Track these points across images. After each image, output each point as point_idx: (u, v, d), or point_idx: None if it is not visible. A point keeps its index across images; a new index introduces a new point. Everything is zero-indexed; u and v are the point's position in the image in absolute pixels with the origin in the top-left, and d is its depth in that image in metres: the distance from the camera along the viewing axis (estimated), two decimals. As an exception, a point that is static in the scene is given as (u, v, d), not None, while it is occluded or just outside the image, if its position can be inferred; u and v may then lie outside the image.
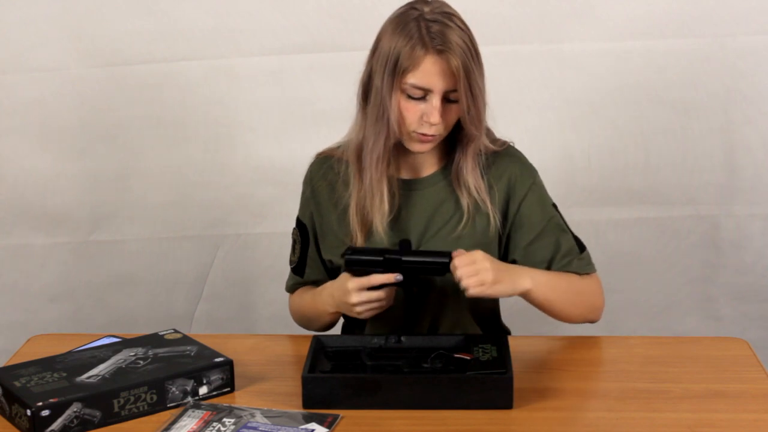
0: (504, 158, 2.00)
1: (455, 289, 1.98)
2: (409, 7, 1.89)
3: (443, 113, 1.87)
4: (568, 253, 2.01)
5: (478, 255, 1.85)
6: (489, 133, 1.99)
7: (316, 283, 2.07)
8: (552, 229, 2.01)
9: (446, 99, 1.87)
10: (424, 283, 1.99)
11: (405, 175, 2.01)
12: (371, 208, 1.95)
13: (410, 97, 1.87)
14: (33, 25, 2.76)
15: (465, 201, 1.95)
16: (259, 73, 2.80)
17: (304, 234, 2.08)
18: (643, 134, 2.80)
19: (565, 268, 2.01)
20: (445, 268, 1.85)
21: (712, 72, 2.75)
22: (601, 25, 2.74)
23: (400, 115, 1.88)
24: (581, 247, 2.05)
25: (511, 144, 2.03)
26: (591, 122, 2.80)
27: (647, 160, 2.81)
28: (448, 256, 1.85)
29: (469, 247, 1.94)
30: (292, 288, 2.13)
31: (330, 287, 1.97)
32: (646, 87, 2.77)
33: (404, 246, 1.97)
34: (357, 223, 1.96)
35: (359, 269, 1.86)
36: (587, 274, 2.03)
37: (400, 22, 1.87)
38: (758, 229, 2.86)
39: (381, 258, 1.85)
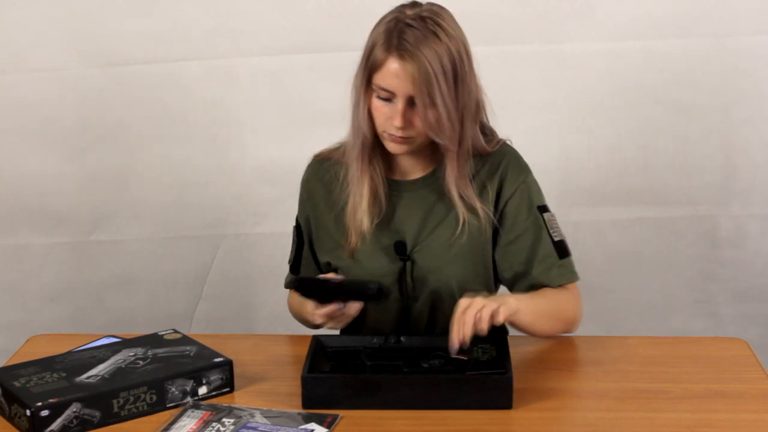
0: (497, 156, 1.99)
1: (451, 290, 1.98)
2: (397, 9, 1.89)
3: (412, 117, 1.86)
4: (545, 259, 1.99)
5: (462, 301, 1.80)
6: (491, 133, 1.99)
7: None
8: (531, 230, 1.99)
9: (414, 103, 1.85)
10: (422, 284, 1.99)
11: (398, 176, 2.01)
12: (356, 208, 1.95)
13: (379, 97, 1.87)
14: (33, 25, 2.76)
15: (457, 205, 1.95)
16: (259, 73, 2.80)
17: (300, 235, 2.09)
18: (642, 134, 2.80)
19: (544, 275, 1.98)
20: (375, 295, 1.82)
21: (711, 72, 2.75)
22: (601, 25, 2.74)
23: (372, 115, 1.89)
24: (563, 253, 2.01)
25: (508, 142, 2.03)
26: (591, 122, 2.80)
27: (647, 160, 2.81)
28: (377, 284, 1.83)
29: (464, 249, 1.96)
30: (288, 285, 2.15)
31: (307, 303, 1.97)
32: (646, 87, 2.77)
33: (398, 248, 1.97)
34: (351, 225, 1.97)
35: (305, 293, 1.89)
36: (566, 284, 2.00)
37: (382, 21, 1.89)
38: (757, 229, 2.86)
39: (315, 287, 1.87)
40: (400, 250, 1.98)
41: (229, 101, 2.83)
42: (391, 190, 1.99)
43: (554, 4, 2.73)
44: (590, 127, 2.80)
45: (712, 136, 2.80)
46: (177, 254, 2.93)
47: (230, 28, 2.77)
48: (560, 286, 2.00)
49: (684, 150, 2.80)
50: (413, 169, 2.00)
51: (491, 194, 1.98)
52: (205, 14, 2.77)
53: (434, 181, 1.99)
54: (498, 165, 1.99)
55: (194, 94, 2.82)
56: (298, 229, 2.10)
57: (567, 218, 2.72)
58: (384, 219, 1.98)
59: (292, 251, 2.12)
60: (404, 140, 1.89)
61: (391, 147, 1.92)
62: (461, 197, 1.94)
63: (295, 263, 2.12)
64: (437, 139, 1.88)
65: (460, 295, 1.95)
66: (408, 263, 1.98)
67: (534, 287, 2.00)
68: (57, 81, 2.80)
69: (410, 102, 1.85)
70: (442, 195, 1.98)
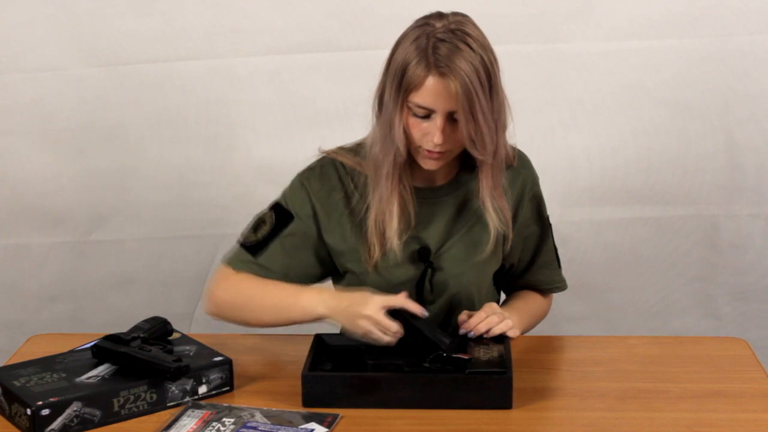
0: (517, 164, 2.02)
1: (470, 296, 1.99)
2: (424, 21, 1.85)
3: (450, 132, 1.84)
4: (547, 264, 2.10)
5: (493, 305, 1.92)
6: (508, 144, 1.98)
7: (268, 271, 1.97)
8: (539, 236, 2.07)
9: (453, 118, 1.83)
10: (442, 289, 1.99)
11: (420, 183, 1.98)
12: (386, 226, 1.92)
13: (415, 114, 1.84)
14: (33, 25, 2.76)
15: (492, 216, 1.94)
16: (259, 73, 2.80)
17: (282, 220, 2.00)
18: (643, 134, 2.80)
19: (542, 278, 2.10)
20: (173, 376, 1.74)
21: (712, 72, 2.75)
22: (601, 25, 2.74)
23: (407, 132, 1.86)
24: (559, 262, 2.13)
25: (516, 147, 2.04)
26: (591, 122, 2.80)
27: (647, 160, 2.81)
28: (176, 365, 1.74)
29: (486, 256, 1.98)
30: (240, 267, 1.98)
31: (329, 290, 1.93)
32: (646, 87, 2.77)
33: (422, 254, 1.96)
34: (375, 236, 1.93)
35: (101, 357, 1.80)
36: (554, 292, 2.14)
37: (411, 36, 1.84)
38: (758, 229, 2.86)
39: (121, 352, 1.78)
40: (424, 256, 1.97)
41: (229, 101, 2.82)
42: (416, 197, 1.96)
43: (554, 4, 2.73)
44: (590, 127, 2.80)
45: (713, 135, 2.80)
46: (177, 254, 2.93)
47: (230, 28, 2.77)
48: (549, 292, 2.14)
49: (684, 150, 2.80)
50: (436, 176, 1.99)
51: (512, 202, 2.00)
52: (205, 14, 2.76)
53: (458, 188, 1.99)
54: (519, 173, 2.01)
55: (194, 94, 2.82)
56: (280, 213, 2.00)
57: (567, 218, 2.73)
58: (407, 234, 1.96)
59: (258, 232, 2.01)
60: (441, 155, 1.87)
61: (427, 164, 1.89)
62: (494, 208, 1.93)
63: (259, 245, 1.99)
64: (475, 153, 1.86)
65: (478, 300, 1.97)
66: (429, 269, 1.97)
67: (527, 287, 2.13)
68: (57, 81, 2.80)
69: (449, 117, 1.83)
70: (466, 201, 1.98)
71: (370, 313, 1.78)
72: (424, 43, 1.81)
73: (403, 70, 1.82)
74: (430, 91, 1.80)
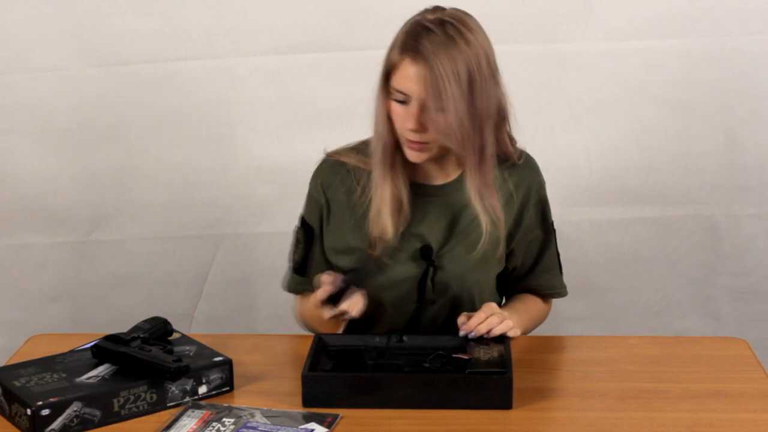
0: (525, 168, 2.02)
1: (471, 296, 1.99)
2: (420, 13, 1.88)
3: (426, 121, 1.84)
4: (548, 269, 2.09)
5: (493, 305, 1.91)
6: (508, 143, 1.99)
7: None
8: (542, 241, 2.07)
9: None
10: (444, 289, 1.99)
11: (421, 179, 1.99)
12: (379, 213, 1.94)
13: (396, 100, 1.86)
14: (33, 25, 2.76)
15: (480, 214, 1.94)
16: (259, 73, 2.80)
17: (309, 234, 2.05)
18: (642, 134, 2.80)
19: (543, 283, 2.09)
20: (173, 375, 1.74)
21: (712, 72, 2.75)
22: (601, 25, 2.74)
23: (391, 118, 1.88)
24: (561, 268, 2.13)
25: (525, 151, 2.05)
26: (591, 122, 2.80)
27: (647, 160, 2.81)
28: (176, 365, 1.74)
29: (486, 256, 1.98)
30: (295, 289, 2.10)
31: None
32: (646, 87, 2.77)
33: (424, 252, 1.97)
34: (376, 232, 1.95)
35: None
36: (555, 297, 2.14)
37: (406, 25, 1.87)
38: (758, 229, 2.86)
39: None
40: (426, 254, 1.97)
41: (229, 101, 2.82)
42: (415, 193, 1.97)
43: (554, 4, 2.73)
44: (590, 127, 2.80)
45: (712, 135, 2.80)
46: (177, 254, 2.93)
47: (230, 28, 2.77)
48: (549, 297, 2.14)
49: (684, 150, 2.80)
50: (438, 174, 2.00)
51: (516, 205, 2.00)
52: (205, 14, 2.76)
53: (459, 188, 1.99)
54: (525, 177, 2.02)
55: (194, 94, 2.82)
56: (306, 228, 2.06)
57: (567, 218, 2.73)
58: (404, 225, 1.96)
59: (297, 252, 2.08)
60: (421, 147, 1.88)
61: (410, 155, 1.90)
62: (484, 206, 1.93)
63: (302, 264, 2.06)
64: (449, 145, 1.87)
65: (479, 301, 1.97)
66: (431, 268, 1.97)
67: (527, 291, 2.12)
68: (57, 81, 2.80)
69: (424, 106, 1.84)
70: (468, 203, 1.97)
71: (327, 316, 1.87)
72: (408, 28, 1.84)
73: (388, 54, 1.86)
74: (404, 75, 1.83)
